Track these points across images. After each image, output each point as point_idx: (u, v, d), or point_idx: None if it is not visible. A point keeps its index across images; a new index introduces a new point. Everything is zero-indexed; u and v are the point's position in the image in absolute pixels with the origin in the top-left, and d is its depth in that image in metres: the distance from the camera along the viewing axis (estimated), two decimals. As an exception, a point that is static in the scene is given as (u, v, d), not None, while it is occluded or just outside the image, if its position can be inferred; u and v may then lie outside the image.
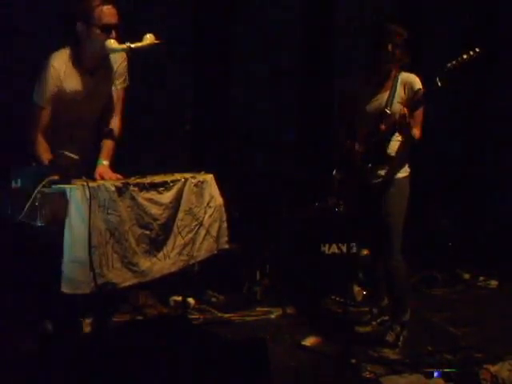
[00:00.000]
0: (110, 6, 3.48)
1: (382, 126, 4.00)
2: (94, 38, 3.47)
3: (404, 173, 4.16)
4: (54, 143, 3.59)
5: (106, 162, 3.68)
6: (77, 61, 3.56)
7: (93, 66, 3.61)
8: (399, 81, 4.06)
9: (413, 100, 3.94)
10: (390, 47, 3.94)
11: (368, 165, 4.09)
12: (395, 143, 4.08)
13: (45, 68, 3.51)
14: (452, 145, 6.41)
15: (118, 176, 3.55)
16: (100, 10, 3.44)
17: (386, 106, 4.04)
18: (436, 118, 4.46)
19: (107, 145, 3.76)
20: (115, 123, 3.81)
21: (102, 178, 3.50)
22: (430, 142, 4.65)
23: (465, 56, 3.77)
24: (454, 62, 3.78)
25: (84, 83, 3.60)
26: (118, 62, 3.72)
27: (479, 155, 6.58)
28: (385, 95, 4.06)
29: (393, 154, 4.08)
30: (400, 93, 4.05)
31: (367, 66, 4.18)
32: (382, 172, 4.11)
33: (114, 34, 3.46)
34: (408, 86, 4.04)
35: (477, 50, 3.77)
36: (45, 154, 3.52)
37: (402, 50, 3.97)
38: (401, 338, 4.08)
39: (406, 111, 3.83)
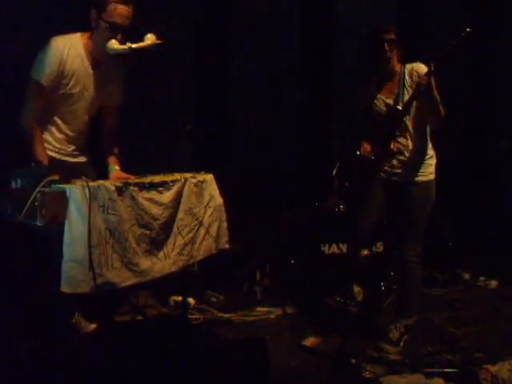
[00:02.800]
0: (125, 7, 3.45)
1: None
2: (100, 31, 3.46)
3: (430, 175, 4.16)
4: (46, 141, 3.62)
5: (117, 167, 3.78)
6: (83, 48, 3.53)
7: (96, 59, 3.57)
8: (406, 73, 4.03)
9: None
10: (386, 46, 3.95)
11: (388, 164, 4.07)
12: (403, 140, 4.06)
13: (49, 44, 3.44)
14: (452, 145, 6.41)
15: (132, 176, 3.60)
16: (114, 7, 3.42)
17: (396, 104, 4.01)
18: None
19: (112, 156, 3.84)
20: (113, 138, 3.86)
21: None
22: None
23: (454, 42, 3.75)
24: (447, 47, 3.75)
25: (84, 73, 3.56)
26: (118, 77, 3.74)
27: (479, 154, 6.58)
28: (394, 93, 4.05)
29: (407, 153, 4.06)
30: (410, 84, 4.01)
31: (372, 68, 4.16)
32: (401, 170, 4.09)
33: (119, 36, 3.44)
34: (415, 74, 4.00)
35: (467, 30, 3.74)
36: (39, 147, 3.50)
37: (396, 44, 3.97)
38: (403, 339, 4.07)
39: (429, 70, 3.78)
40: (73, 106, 3.62)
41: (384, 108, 4.08)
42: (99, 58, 3.57)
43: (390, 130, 4.02)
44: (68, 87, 3.55)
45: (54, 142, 3.66)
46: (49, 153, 3.61)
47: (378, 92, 4.11)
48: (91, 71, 3.59)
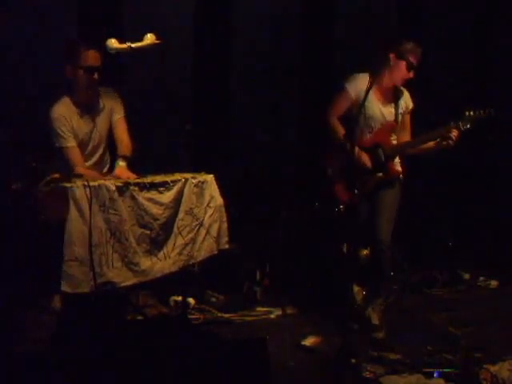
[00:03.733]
0: (93, 51, 3.81)
1: (392, 139, 4.40)
2: (79, 79, 3.83)
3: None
4: None
5: (122, 163, 3.88)
6: (74, 104, 3.91)
7: (87, 104, 3.95)
8: (400, 94, 4.39)
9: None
10: (404, 66, 4.25)
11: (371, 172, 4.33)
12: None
13: (50, 117, 3.83)
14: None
15: (135, 176, 3.66)
16: (85, 54, 3.80)
17: (395, 119, 4.35)
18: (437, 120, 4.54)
19: (123, 158, 3.98)
20: (127, 148, 4.05)
21: (121, 178, 3.60)
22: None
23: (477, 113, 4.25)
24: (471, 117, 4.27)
25: (85, 121, 3.95)
26: (111, 97, 4.05)
27: (479, 155, 6.58)
28: (390, 106, 4.36)
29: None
30: (402, 106, 4.39)
31: (373, 73, 4.22)
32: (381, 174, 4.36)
33: (96, 75, 3.83)
34: (405, 101, 4.42)
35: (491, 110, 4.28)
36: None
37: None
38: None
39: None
40: (88, 148, 3.99)
41: (381, 118, 4.34)
42: (86, 102, 3.96)
43: (385, 140, 4.37)
44: (76, 138, 3.91)
45: None
46: None
47: (377, 100, 4.34)
48: (87, 117, 3.96)
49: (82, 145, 3.95)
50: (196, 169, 3.81)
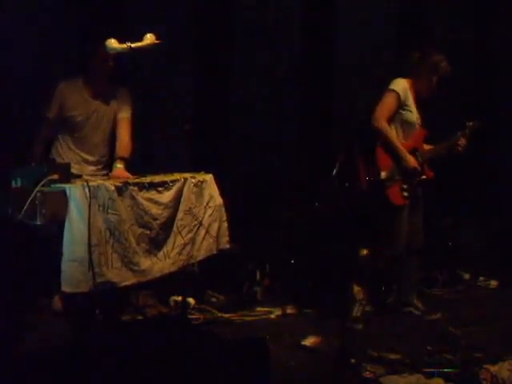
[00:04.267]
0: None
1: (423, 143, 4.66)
2: (94, 63, 4.15)
3: None
4: (60, 158, 4.19)
5: (120, 165, 4.02)
6: (84, 83, 4.21)
7: (97, 88, 4.22)
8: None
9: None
10: (434, 80, 4.52)
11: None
12: None
13: (56, 87, 4.17)
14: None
15: (132, 177, 3.69)
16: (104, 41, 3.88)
17: (421, 123, 4.64)
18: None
19: (121, 159, 4.11)
20: (127, 148, 4.21)
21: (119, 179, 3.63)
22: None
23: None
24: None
25: (86, 103, 4.18)
26: (123, 96, 4.28)
27: (479, 154, 6.58)
28: (419, 112, 4.61)
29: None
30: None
31: (410, 78, 4.56)
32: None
33: (110, 62, 4.13)
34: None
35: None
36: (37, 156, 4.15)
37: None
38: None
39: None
40: (82, 132, 4.22)
41: (415, 121, 4.59)
42: (99, 87, 4.23)
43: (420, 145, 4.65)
44: (73, 118, 4.18)
45: (76, 165, 4.13)
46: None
47: (413, 104, 4.58)
48: (92, 101, 4.22)
49: (76, 126, 4.17)
50: (195, 169, 3.81)
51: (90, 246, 2.96)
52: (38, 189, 2.95)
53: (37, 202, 2.93)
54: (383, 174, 4.46)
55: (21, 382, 3.11)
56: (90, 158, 4.28)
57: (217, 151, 5.65)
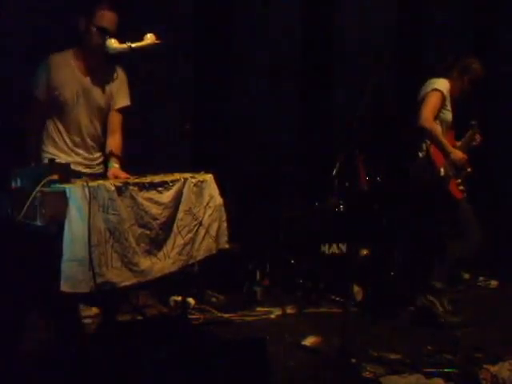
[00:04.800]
0: (112, 13, 3.71)
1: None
2: (89, 37, 3.70)
3: None
4: (51, 147, 3.84)
5: (116, 165, 3.84)
6: (75, 57, 3.78)
7: (89, 65, 3.79)
8: None
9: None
10: (466, 81, 4.66)
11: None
12: None
13: (43, 61, 3.74)
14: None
15: (129, 176, 3.63)
16: (101, 13, 3.68)
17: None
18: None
19: (114, 157, 3.91)
20: (117, 144, 3.96)
21: (116, 178, 3.60)
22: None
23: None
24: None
25: (76, 79, 3.78)
26: (120, 80, 3.92)
27: (479, 154, 6.57)
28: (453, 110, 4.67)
29: None
30: None
31: (448, 79, 4.64)
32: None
33: (108, 38, 3.63)
34: None
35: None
36: (33, 150, 3.81)
37: None
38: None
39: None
40: (71, 112, 3.81)
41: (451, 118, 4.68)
42: (91, 64, 3.80)
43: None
44: (61, 96, 3.76)
45: (62, 149, 3.85)
46: (59, 161, 3.66)
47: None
48: (83, 78, 3.80)
49: (64, 105, 3.77)
50: (195, 169, 3.80)
51: (90, 246, 2.95)
52: (38, 189, 2.94)
53: (37, 203, 2.93)
54: (442, 171, 4.53)
55: (21, 382, 3.11)
56: (80, 142, 3.88)
57: (217, 151, 5.65)
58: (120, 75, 3.92)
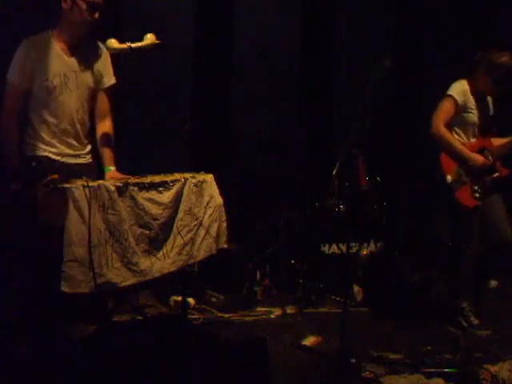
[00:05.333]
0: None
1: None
2: (77, 12, 3.50)
3: None
4: (36, 141, 3.61)
5: (113, 168, 3.74)
6: (56, 37, 3.58)
7: (73, 44, 3.60)
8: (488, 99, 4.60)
9: None
10: (491, 77, 4.44)
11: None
12: None
13: (20, 45, 3.52)
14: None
15: (127, 177, 3.58)
16: None
17: (490, 121, 4.57)
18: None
19: (108, 152, 3.79)
20: (108, 127, 3.81)
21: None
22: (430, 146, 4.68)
23: None
24: None
25: (60, 63, 3.57)
26: (104, 57, 3.72)
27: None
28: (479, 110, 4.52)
29: None
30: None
31: (470, 79, 4.50)
32: None
33: (98, 14, 3.51)
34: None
35: None
36: (10, 146, 3.52)
37: None
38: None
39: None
40: (59, 97, 3.59)
41: (478, 122, 4.53)
42: (75, 43, 3.61)
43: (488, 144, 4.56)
44: (47, 81, 3.54)
45: (50, 142, 3.63)
46: (48, 154, 3.62)
47: (476, 105, 4.51)
48: (68, 59, 3.60)
49: (50, 91, 3.54)
50: (195, 169, 3.80)
51: (90, 246, 2.96)
52: (38, 189, 2.94)
53: (37, 203, 2.93)
54: (449, 178, 4.44)
55: (21, 382, 3.11)
56: (70, 129, 3.65)
57: (217, 151, 5.65)
58: (104, 51, 3.71)
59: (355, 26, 6.25)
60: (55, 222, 2.95)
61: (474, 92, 4.49)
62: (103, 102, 3.79)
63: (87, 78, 3.68)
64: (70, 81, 3.60)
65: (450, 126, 4.48)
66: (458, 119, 4.48)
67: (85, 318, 3.75)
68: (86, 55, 3.66)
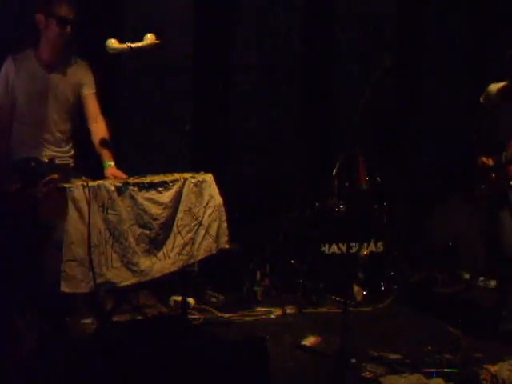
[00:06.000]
0: (69, 4, 3.71)
1: None
2: (50, 30, 3.68)
3: None
4: (20, 147, 3.75)
5: (112, 163, 3.77)
6: (36, 56, 3.76)
7: (51, 61, 3.78)
8: None
9: None
10: None
11: None
12: None
13: (3, 64, 3.73)
14: (454, 144, 6.41)
15: (126, 176, 3.61)
16: (59, 3, 3.68)
17: None
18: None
19: (105, 149, 3.84)
20: (102, 127, 3.89)
21: (116, 178, 3.57)
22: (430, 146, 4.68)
23: None
24: None
25: (41, 77, 3.75)
26: (84, 69, 3.90)
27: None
28: None
29: None
30: None
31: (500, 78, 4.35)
32: None
33: (69, 28, 3.68)
34: None
35: None
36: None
37: None
38: None
39: None
40: (38, 111, 3.77)
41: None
42: (53, 60, 3.79)
43: None
44: (27, 96, 3.72)
45: (34, 147, 3.77)
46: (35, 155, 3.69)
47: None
48: (48, 75, 3.78)
49: (31, 105, 3.74)
50: (195, 169, 3.81)
51: (89, 246, 2.96)
52: (38, 189, 2.95)
53: (37, 203, 2.93)
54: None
55: (21, 382, 3.11)
56: (50, 138, 3.82)
57: (217, 151, 5.65)
58: (82, 65, 3.90)
59: (356, 26, 6.24)
60: (55, 221, 2.95)
61: (508, 91, 4.31)
62: (92, 105, 3.91)
63: (65, 90, 3.83)
64: (50, 95, 3.77)
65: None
66: (496, 121, 4.35)
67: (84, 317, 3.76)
68: (64, 69, 3.83)
